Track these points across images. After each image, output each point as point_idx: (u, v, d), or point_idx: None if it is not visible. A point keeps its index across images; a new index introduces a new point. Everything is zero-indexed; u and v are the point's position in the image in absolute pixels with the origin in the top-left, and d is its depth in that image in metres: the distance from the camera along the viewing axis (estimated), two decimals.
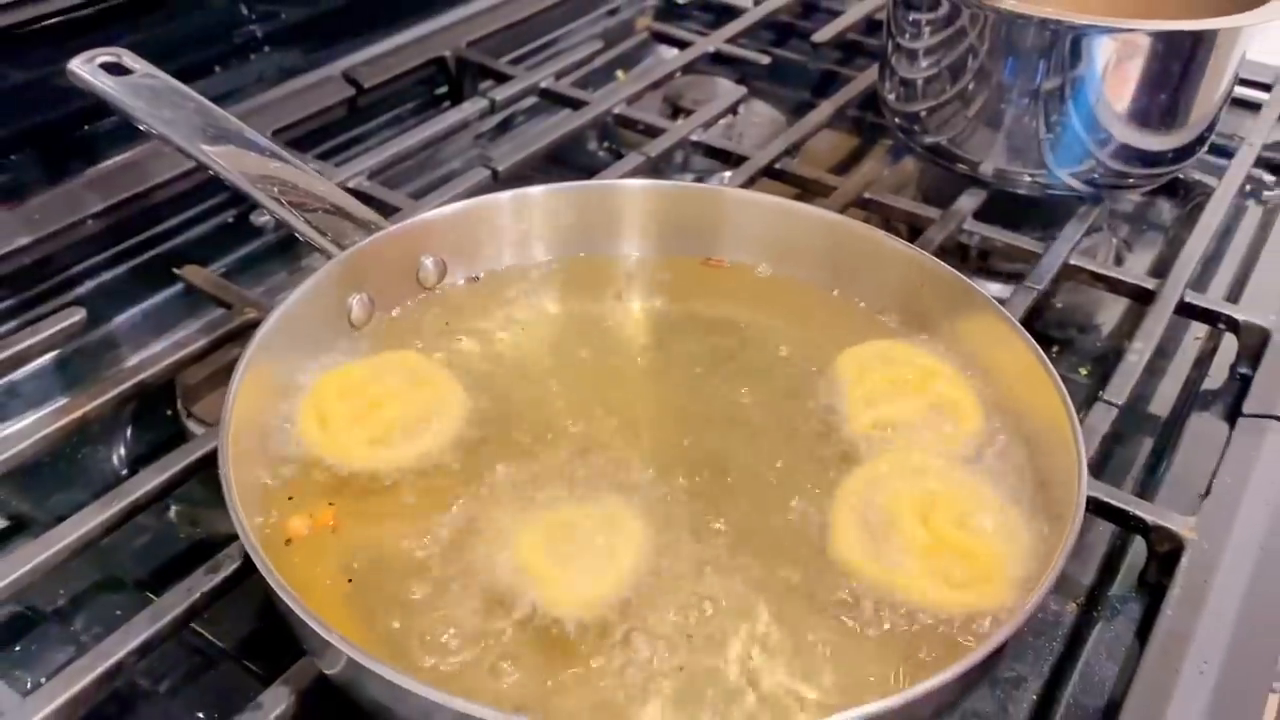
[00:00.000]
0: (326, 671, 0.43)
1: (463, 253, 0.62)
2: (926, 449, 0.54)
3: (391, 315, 0.60)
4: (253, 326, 0.65)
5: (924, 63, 0.81)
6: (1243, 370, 0.71)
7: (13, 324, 0.72)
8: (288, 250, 0.82)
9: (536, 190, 0.63)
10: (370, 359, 0.57)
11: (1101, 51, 0.73)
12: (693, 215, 0.58)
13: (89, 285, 0.76)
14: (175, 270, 0.73)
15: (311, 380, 0.55)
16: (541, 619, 0.45)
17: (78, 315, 0.65)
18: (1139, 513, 0.57)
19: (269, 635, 0.55)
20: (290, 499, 0.51)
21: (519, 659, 0.44)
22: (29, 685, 0.51)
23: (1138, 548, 0.59)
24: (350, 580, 0.47)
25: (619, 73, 1.07)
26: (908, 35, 0.81)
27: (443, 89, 0.98)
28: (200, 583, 0.50)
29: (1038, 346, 0.55)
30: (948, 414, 0.56)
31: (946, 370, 0.58)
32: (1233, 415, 0.65)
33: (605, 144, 0.98)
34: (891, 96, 0.86)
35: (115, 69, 0.68)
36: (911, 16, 0.80)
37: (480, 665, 0.43)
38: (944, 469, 0.53)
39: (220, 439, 0.46)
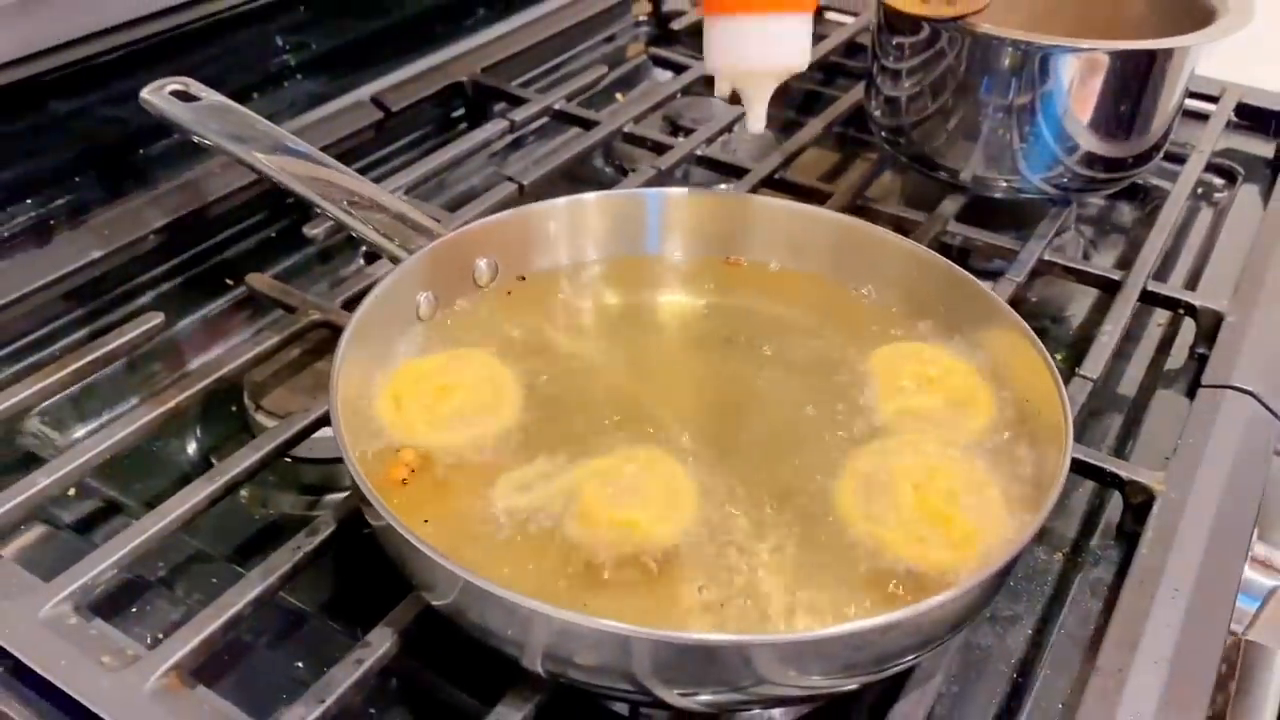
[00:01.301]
0: (436, 603, 0.50)
1: (513, 254, 0.69)
2: (941, 436, 0.60)
3: (452, 310, 0.67)
4: (319, 326, 0.72)
5: (907, 81, 0.88)
6: (1200, 350, 0.79)
7: (83, 332, 0.78)
8: (329, 259, 0.89)
9: (587, 197, 0.70)
10: (441, 354, 0.64)
11: (1067, 69, 0.81)
12: (720, 219, 0.65)
13: (151, 294, 0.82)
14: (235, 279, 0.80)
15: (388, 367, 0.62)
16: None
17: (157, 319, 0.71)
18: (1115, 469, 0.65)
19: (344, 600, 0.62)
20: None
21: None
22: (148, 640, 0.57)
23: (1114, 505, 0.67)
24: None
25: (618, 95, 1.15)
26: (891, 57, 0.89)
27: (460, 111, 1.05)
28: (303, 543, 0.57)
29: (1024, 323, 0.62)
30: (965, 408, 0.62)
31: (966, 369, 0.64)
32: (1193, 388, 0.73)
33: (610, 161, 1.05)
34: (878, 112, 0.94)
35: (184, 96, 0.75)
36: (895, 40, 0.88)
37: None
38: (951, 453, 0.59)
39: (331, 405, 0.53)
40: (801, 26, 0.63)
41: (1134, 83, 0.82)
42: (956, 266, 0.67)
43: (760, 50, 0.63)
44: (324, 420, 0.64)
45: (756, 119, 0.67)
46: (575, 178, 0.98)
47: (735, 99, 0.68)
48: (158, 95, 0.73)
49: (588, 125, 0.99)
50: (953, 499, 0.55)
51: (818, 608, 0.51)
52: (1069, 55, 0.80)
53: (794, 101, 1.16)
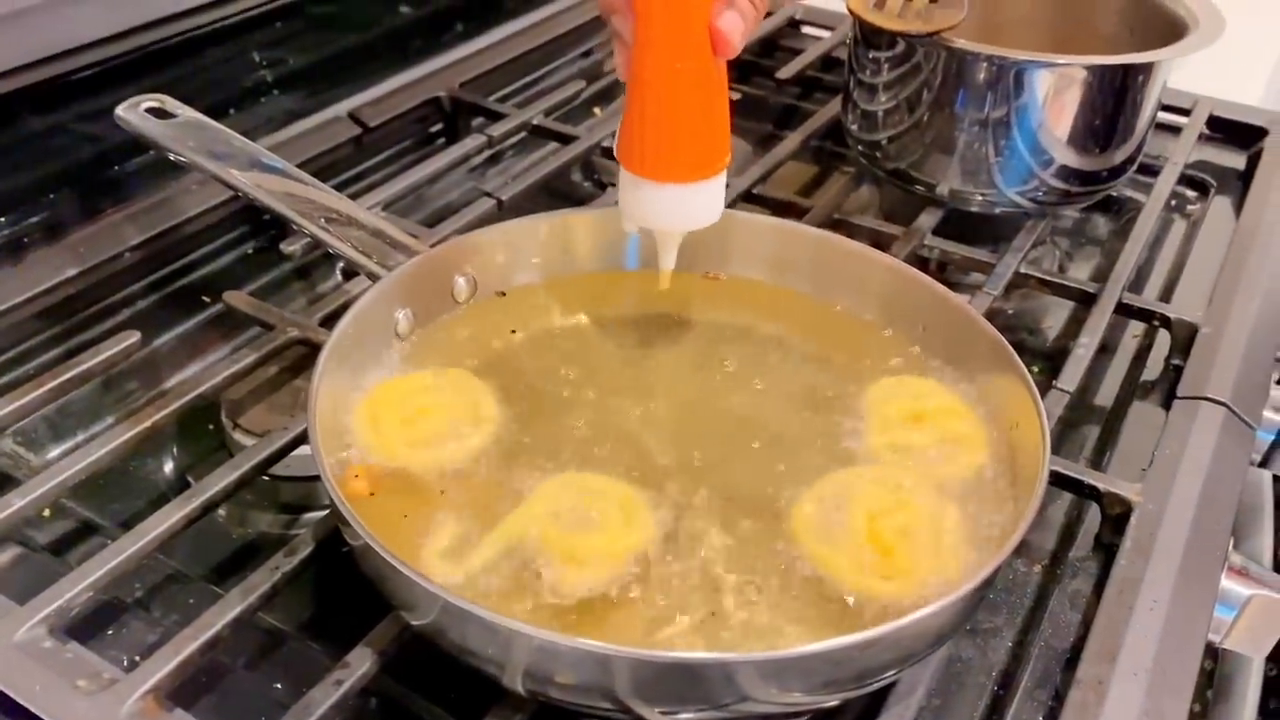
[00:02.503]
0: (416, 623, 0.49)
1: (492, 271, 0.69)
2: (923, 471, 0.60)
3: (430, 327, 0.67)
4: (297, 344, 0.72)
5: (883, 96, 0.89)
6: (1175, 361, 0.79)
7: (59, 350, 0.77)
8: (307, 276, 0.89)
9: (566, 214, 0.71)
10: (418, 373, 0.63)
11: (1041, 83, 0.82)
12: (697, 234, 0.65)
13: (127, 312, 0.81)
14: (212, 296, 0.79)
15: (365, 385, 0.62)
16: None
17: (134, 337, 0.71)
18: (1092, 482, 0.65)
19: (325, 620, 0.61)
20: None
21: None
22: (124, 663, 0.56)
23: (1092, 517, 0.68)
24: None
25: (596, 109, 1.15)
26: (868, 71, 0.90)
27: (438, 126, 1.05)
28: (282, 563, 0.56)
29: (1001, 336, 0.63)
30: (955, 447, 0.61)
31: (961, 408, 0.63)
32: (1168, 400, 0.74)
33: (589, 176, 1.05)
34: (854, 127, 0.94)
35: (159, 113, 0.74)
36: (871, 54, 0.89)
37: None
38: (925, 489, 0.58)
39: (310, 424, 0.53)
40: (717, 188, 0.62)
41: (1107, 97, 0.83)
42: (934, 281, 0.67)
43: (674, 214, 0.63)
44: (302, 438, 0.64)
45: (668, 261, 0.66)
46: (554, 192, 0.98)
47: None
48: (132, 112, 0.73)
49: (566, 140, 0.99)
50: (904, 534, 0.55)
51: (758, 626, 0.51)
52: (1043, 70, 0.81)
53: (772, 116, 1.16)
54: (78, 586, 0.55)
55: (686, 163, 0.60)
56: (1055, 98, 0.82)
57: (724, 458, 0.60)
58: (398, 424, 0.60)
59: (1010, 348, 0.62)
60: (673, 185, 0.61)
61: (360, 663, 0.52)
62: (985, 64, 0.82)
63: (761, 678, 0.46)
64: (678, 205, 0.62)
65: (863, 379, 0.66)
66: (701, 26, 0.57)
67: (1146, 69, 0.83)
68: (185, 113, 0.74)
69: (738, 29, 0.57)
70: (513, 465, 0.59)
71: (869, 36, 0.88)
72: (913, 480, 0.58)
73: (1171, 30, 0.86)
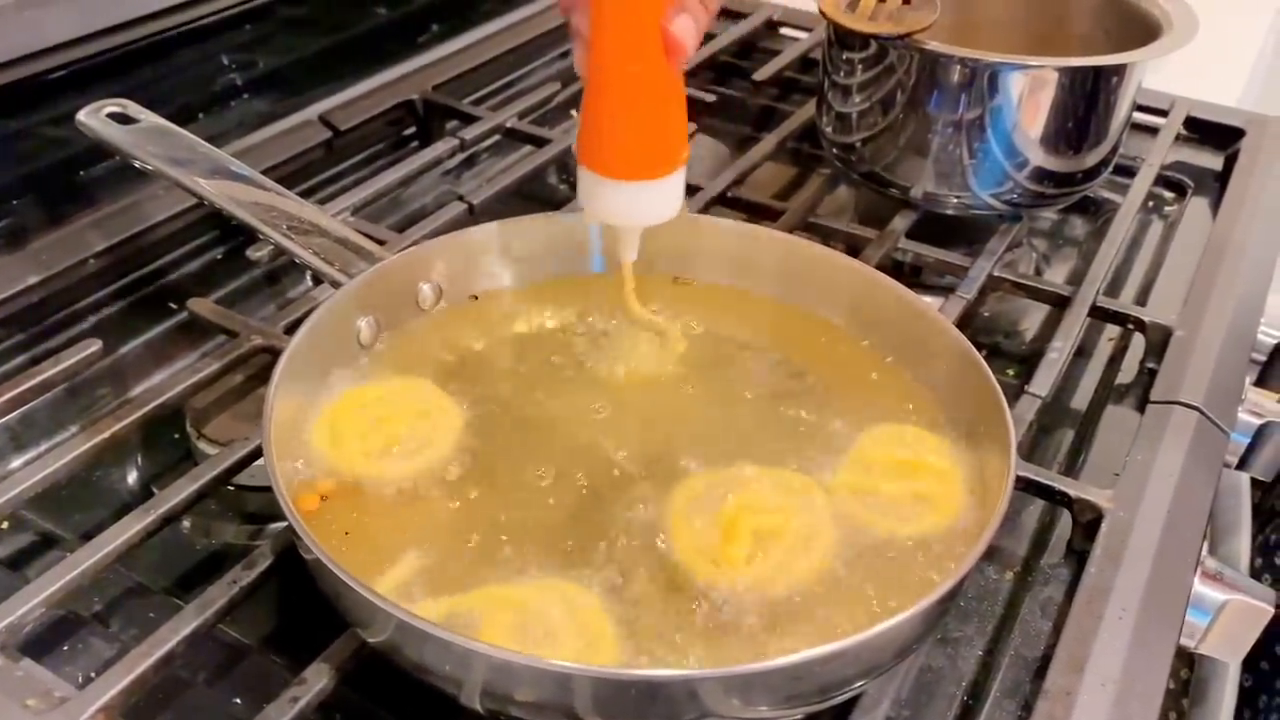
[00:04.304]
0: (371, 640, 0.49)
1: (456, 277, 0.68)
2: (869, 511, 0.57)
3: (395, 334, 0.66)
4: (261, 351, 0.71)
5: (857, 98, 0.88)
6: (1150, 364, 0.79)
7: (23, 358, 0.76)
8: (276, 281, 0.88)
9: (522, 220, 0.70)
10: (379, 384, 0.63)
11: (1015, 85, 0.81)
12: (665, 238, 0.65)
13: (92, 320, 0.80)
14: (178, 303, 0.78)
15: (326, 395, 0.61)
16: None
17: (95, 346, 0.69)
18: (1064, 488, 0.65)
19: (288, 632, 0.61)
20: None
21: None
22: (79, 679, 0.55)
23: (1064, 523, 0.67)
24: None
25: (573, 111, 1.14)
26: (842, 73, 0.89)
27: (411, 129, 1.04)
28: (240, 576, 0.55)
29: (966, 340, 0.62)
30: (924, 504, 0.58)
31: (947, 467, 0.59)
32: (1143, 404, 0.73)
33: (564, 178, 1.05)
34: (829, 129, 0.94)
35: (121, 118, 0.73)
36: (845, 56, 0.88)
37: None
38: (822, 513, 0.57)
39: (264, 438, 0.52)
40: (674, 185, 0.63)
41: (1081, 99, 0.83)
42: (899, 284, 0.67)
43: (635, 211, 0.63)
44: None
45: (628, 254, 0.66)
46: (529, 196, 0.97)
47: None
48: (94, 117, 0.72)
49: (540, 143, 0.98)
50: (762, 537, 0.54)
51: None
52: (1016, 72, 0.81)
53: (749, 117, 1.16)
54: (31, 602, 0.54)
55: (641, 161, 0.61)
56: (1028, 99, 0.82)
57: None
58: (356, 435, 0.59)
59: (975, 350, 0.61)
60: (629, 183, 0.61)
61: (317, 679, 0.51)
62: (958, 66, 0.81)
63: (724, 693, 0.45)
64: (634, 202, 0.62)
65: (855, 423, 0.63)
66: (653, 30, 0.56)
67: (1120, 70, 0.83)
68: (148, 118, 0.73)
69: (690, 32, 0.57)
70: (471, 479, 0.58)
71: (842, 39, 0.88)
72: (821, 501, 0.57)
73: (1146, 31, 0.86)
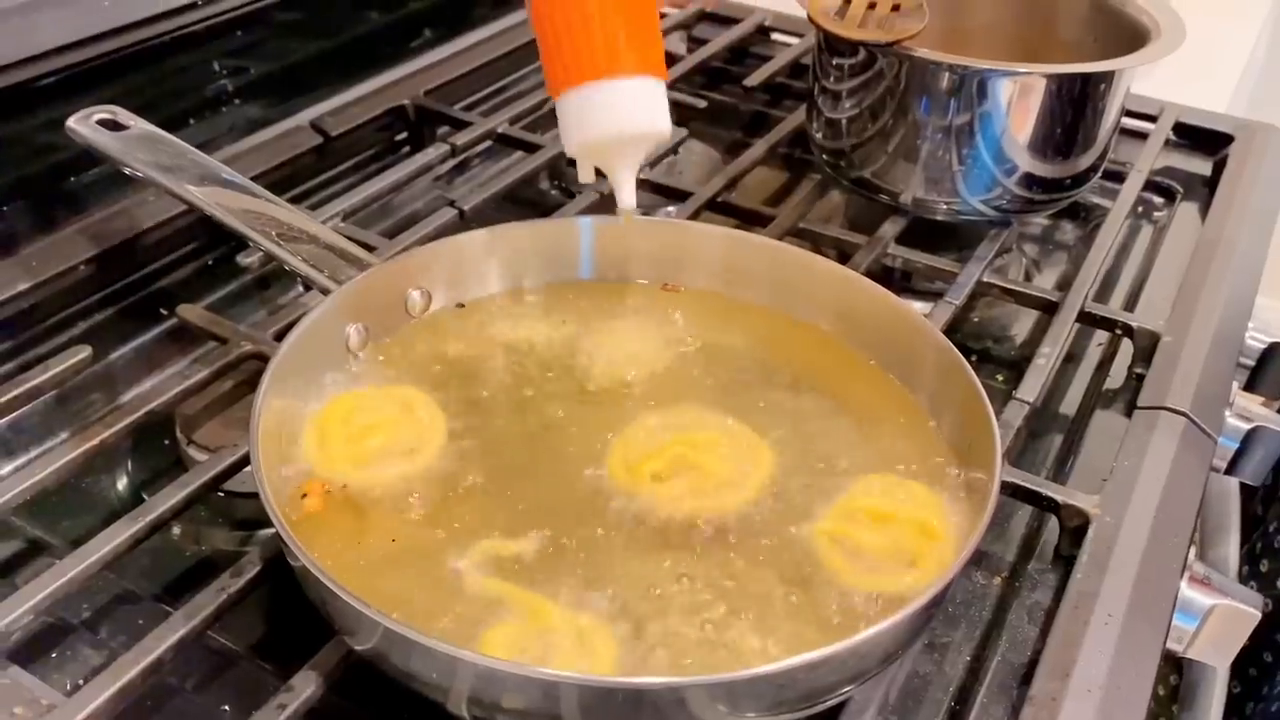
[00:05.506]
0: (358, 647, 0.49)
1: (445, 284, 0.68)
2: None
3: (383, 342, 0.66)
4: (251, 358, 0.71)
5: (847, 104, 0.89)
6: (1138, 370, 0.79)
7: (11, 365, 0.76)
8: (267, 287, 0.88)
9: (511, 227, 0.70)
10: (368, 390, 0.63)
11: (1003, 92, 0.81)
12: (654, 245, 0.65)
13: (81, 326, 0.80)
14: (168, 309, 0.78)
15: (315, 402, 0.61)
16: None
17: (84, 352, 0.69)
18: (1050, 493, 0.65)
19: (276, 639, 0.61)
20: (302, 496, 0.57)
21: None
22: (68, 686, 0.55)
23: (1052, 529, 0.67)
24: None
25: None
26: (831, 79, 0.89)
27: (402, 135, 1.04)
28: (228, 584, 0.55)
29: (952, 345, 0.62)
30: (907, 555, 0.56)
31: (936, 524, 0.57)
32: (1131, 409, 0.73)
33: (555, 183, 1.05)
34: (819, 135, 0.94)
35: (111, 125, 0.73)
36: (834, 62, 0.88)
37: None
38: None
39: (251, 445, 0.52)
40: (653, 88, 0.61)
41: (1069, 105, 0.83)
42: (886, 290, 0.67)
43: (610, 116, 0.62)
44: None
45: (626, 195, 0.65)
46: (520, 201, 0.98)
47: (600, 175, 0.67)
48: (84, 124, 0.72)
49: (532, 148, 0.99)
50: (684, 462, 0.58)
51: None
52: (1005, 78, 0.81)
53: (739, 122, 1.16)
54: (19, 609, 0.54)
55: (606, 55, 0.60)
56: (1017, 106, 0.82)
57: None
58: (344, 441, 0.59)
59: (960, 355, 0.61)
60: (599, 82, 0.60)
61: (305, 686, 0.51)
62: (947, 73, 0.81)
63: (710, 699, 0.46)
64: (610, 105, 0.61)
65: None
66: None
67: (1109, 77, 0.83)
68: (138, 125, 0.74)
69: None
70: (457, 487, 0.58)
71: (832, 45, 0.88)
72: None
73: (1134, 38, 0.86)
